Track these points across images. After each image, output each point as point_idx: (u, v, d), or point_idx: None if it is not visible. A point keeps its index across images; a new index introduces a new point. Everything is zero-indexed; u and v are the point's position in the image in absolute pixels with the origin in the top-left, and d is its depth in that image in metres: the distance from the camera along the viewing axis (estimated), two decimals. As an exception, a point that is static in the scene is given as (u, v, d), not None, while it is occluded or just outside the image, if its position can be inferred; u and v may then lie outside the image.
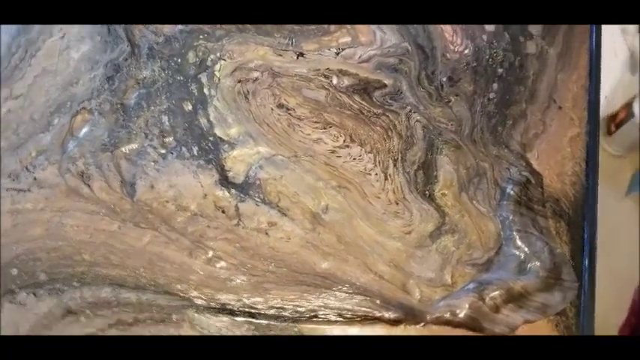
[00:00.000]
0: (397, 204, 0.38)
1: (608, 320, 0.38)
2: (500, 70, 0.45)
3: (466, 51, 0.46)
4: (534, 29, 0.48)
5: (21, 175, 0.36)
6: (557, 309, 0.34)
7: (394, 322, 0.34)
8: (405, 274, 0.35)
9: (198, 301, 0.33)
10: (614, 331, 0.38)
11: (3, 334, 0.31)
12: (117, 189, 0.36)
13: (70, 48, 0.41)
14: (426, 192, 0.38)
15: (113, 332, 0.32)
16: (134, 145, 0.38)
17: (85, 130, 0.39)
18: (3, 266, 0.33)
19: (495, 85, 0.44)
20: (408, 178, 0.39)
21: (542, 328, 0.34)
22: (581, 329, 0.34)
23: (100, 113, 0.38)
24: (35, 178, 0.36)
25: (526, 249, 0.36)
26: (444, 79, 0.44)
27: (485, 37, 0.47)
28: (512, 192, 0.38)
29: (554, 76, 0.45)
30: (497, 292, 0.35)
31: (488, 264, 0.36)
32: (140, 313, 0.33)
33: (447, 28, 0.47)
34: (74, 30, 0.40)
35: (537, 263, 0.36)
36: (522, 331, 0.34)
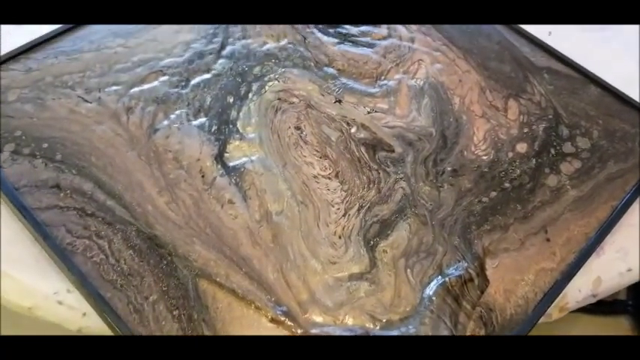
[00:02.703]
0: (340, 238, 0.50)
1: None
2: (507, 185, 0.56)
3: (485, 157, 0.58)
4: (565, 168, 0.59)
5: (94, 92, 0.58)
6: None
7: (272, 320, 0.44)
8: (307, 291, 0.47)
9: (140, 223, 0.48)
10: None
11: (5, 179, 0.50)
12: (144, 128, 0.56)
13: (180, 32, 0.63)
14: (371, 242, 0.50)
15: (72, 213, 0.48)
16: (175, 107, 0.57)
17: (152, 84, 0.59)
18: (42, 138, 0.60)
19: (494, 194, 0.55)
20: (362, 224, 0.51)
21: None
22: None
23: (169, 78, 0.58)
24: (100, 98, 0.57)
25: (429, 331, 0.45)
26: (449, 169, 0.57)
27: (511, 154, 0.59)
28: (447, 279, 0.48)
29: (560, 213, 0.55)
30: (377, 347, 0.44)
31: (387, 324, 0.45)
32: (98, 210, 0.49)
33: (479, 134, 0.60)
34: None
35: (433, 347, 0.44)
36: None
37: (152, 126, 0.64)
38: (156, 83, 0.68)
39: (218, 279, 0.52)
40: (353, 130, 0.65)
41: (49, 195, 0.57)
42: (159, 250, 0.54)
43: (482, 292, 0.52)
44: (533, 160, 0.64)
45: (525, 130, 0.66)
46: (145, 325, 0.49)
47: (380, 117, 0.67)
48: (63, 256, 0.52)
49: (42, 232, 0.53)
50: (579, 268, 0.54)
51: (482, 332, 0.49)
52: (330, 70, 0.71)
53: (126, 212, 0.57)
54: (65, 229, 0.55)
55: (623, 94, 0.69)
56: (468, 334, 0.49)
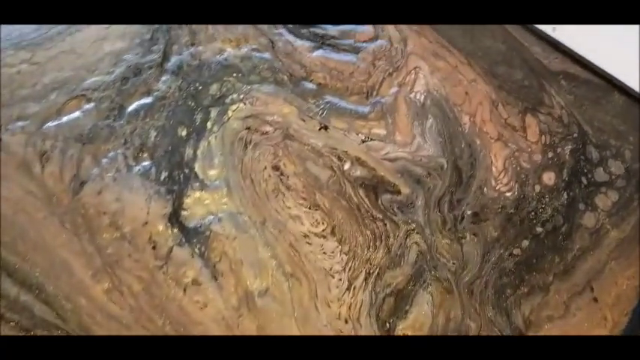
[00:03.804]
0: (346, 322, 0.38)
1: None
2: (539, 229, 0.45)
3: (508, 194, 0.47)
4: (602, 202, 0.48)
5: (-8, 130, 0.42)
6: None
7: None
8: None
9: (71, 326, 0.34)
10: None
11: None
12: (66, 181, 0.41)
13: (107, 40, 0.48)
14: (387, 324, 0.38)
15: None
16: (108, 146, 0.42)
17: (73, 115, 0.44)
18: None
19: (526, 243, 0.44)
20: (373, 299, 0.39)
21: None
22: None
23: (96, 106, 0.43)
24: (0, 139, 0.41)
25: None
26: (468, 212, 0.45)
27: (538, 187, 0.48)
28: None
29: (604, 262, 0.44)
30: None
31: None
32: (9, 311, 0.34)
33: (498, 163, 0.49)
34: (121, 26, 0.47)
35: None
36: None
37: (77, 177, 0.49)
38: (78, 114, 0.52)
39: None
40: (346, 166, 0.53)
41: None
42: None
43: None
44: (564, 194, 0.54)
45: (550, 155, 0.56)
46: None
47: (377, 147, 0.55)
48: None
49: None
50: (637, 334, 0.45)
51: None
52: (309, 86, 0.58)
53: (49, 311, 0.42)
54: (-40, 348, 0.39)
55: (651, 102, 0.61)
56: None
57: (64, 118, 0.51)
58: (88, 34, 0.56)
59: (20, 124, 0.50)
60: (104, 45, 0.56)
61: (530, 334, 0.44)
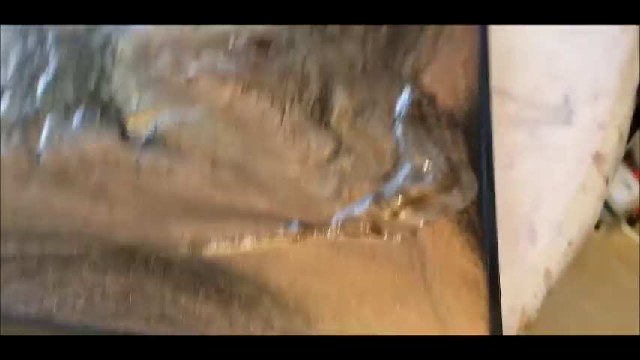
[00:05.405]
0: (295, 135, 0.46)
1: (510, 217, 0.45)
2: None
3: None
4: None
5: None
6: (458, 208, 0.42)
7: (296, 240, 0.41)
8: (304, 197, 0.43)
9: (97, 254, 0.41)
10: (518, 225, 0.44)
11: None
12: (24, 160, 0.45)
13: None
14: (323, 122, 0.47)
15: (22, 280, 0.39)
16: (42, 121, 0.47)
17: None
18: None
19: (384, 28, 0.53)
20: (305, 114, 0.47)
21: (445, 227, 0.41)
22: (485, 225, 0.41)
23: (12, 100, 0.48)
24: None
25: (422, 158, 0.44)
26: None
27: None
28: (404, 112, 0.46)
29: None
30: (394, 199, 0.42)
31: (385, 177, 0.44)
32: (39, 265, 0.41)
33: None
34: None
35: (434, 169, 0.43)
36: (425, 234, 0.41)
37: (32, 153, 0.53)
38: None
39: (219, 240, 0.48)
40: (231, 40, 0.60)
41: None
42: (137, 254, 0.47)
43: (435, 105, 0.54)
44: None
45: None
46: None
47: None
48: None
49: None
50: (488, 32, 0.57)
51: (459, 134, 0.52)
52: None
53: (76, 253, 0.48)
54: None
55: None
56: (449, 141, 0.51)
57: (-11, 120, 0.54)
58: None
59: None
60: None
61: (421, 76, 0.55)
